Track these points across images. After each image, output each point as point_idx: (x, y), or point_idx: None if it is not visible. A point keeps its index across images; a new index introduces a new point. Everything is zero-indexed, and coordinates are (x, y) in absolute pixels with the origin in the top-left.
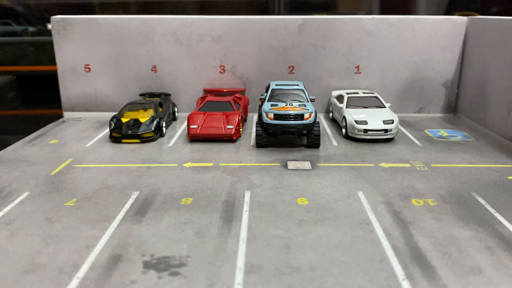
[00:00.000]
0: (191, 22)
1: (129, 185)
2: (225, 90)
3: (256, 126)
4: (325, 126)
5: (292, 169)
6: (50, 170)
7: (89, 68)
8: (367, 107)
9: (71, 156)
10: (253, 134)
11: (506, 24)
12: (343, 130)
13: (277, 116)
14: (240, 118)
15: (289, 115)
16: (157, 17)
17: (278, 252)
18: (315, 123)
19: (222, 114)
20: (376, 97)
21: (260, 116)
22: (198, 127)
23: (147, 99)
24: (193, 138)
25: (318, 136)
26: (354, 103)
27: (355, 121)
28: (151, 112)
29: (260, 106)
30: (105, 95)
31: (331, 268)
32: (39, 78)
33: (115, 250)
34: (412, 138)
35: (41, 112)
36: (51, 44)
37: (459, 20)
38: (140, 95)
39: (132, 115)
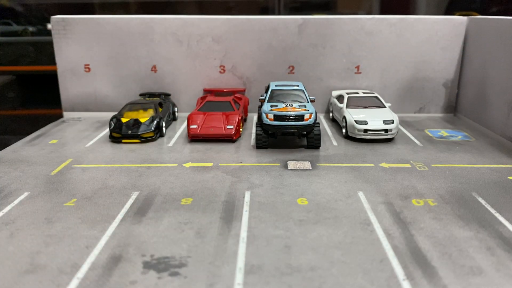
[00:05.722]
0: (191, 22)
1: (129, 185)
2: (225, 90)
3: (256, 127)
4: (325, 126)
5: (292, 169)
6: (50, 170)
7: (89, 68)
8: (367, 107)
9: (71, 156)
10: (253, 134)
11: (506, 24)
12: (343, 130)
13: (277, 117)
14: (240, 118)
15: (289, 116)
16: (157, 17)
17: (278, 252)
18: (316, 124)
19: (222, 114)
20: (376, 97)
21: (259, 117)
22: (198, 127)
23: (147, 99)
24: (193, 138)
25: (318, 137)
26: (354, 103)
27: (355, 121)
28: (151, 112)
29: (260, 107)
30: (105, 95)
31: (331, 269)
32: (39, 78)
33: (115, 251)
34: (412, 138)
35: (41, 112)
36: (51, 44)
37: (459, 20)
38: (140, 95)
39: (132, 115)
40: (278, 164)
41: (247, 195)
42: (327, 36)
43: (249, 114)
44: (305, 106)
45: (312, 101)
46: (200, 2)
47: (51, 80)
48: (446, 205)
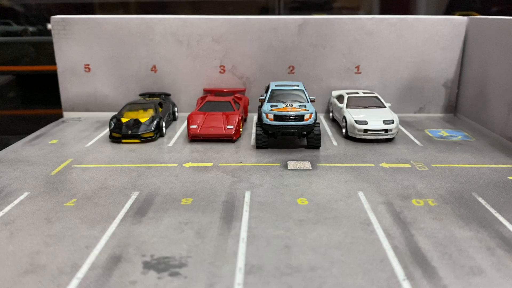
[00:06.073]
0: (191, 22)
1: (129, 185)
2: (225, 90)
3: (256, 127)
4: (325, 126)
5: (292, 169)
6: (50, 170)
7: (89, 68)
8: (367, 107)
9: (71, 156)
10: (253, 134)
11: (506, 24)
12: (343, 130)
13: (277, 117)
14: (240, 118)
15: (289, 116)
16: (157, 17)
17: (278, 253)
18: (316, 124)
19: (222, 114)
20: (376, 97)
21: (259, 117)
22: (198, 127)
23: (147, 99)
24: (193, 138)
25: (318, 137)
26: (354, 103)
27: (355, 121)
28: (151, 112)
29: (260, 107)
30: (105, 95)
31: (331, 269)
32: (39, 78)
33: (115, 251)
34: (412, 138)
35: (41, 112)
36: (51, 44)
37: (459, 20)
38: (140, 95)
39: (132, 115)
40: (278, 164)
41: (247, 195)
42: (327, 36)
43: (249, 114)
44: (305, 106)
45: (312, 101)
46: (200, 2)
47: (51, 80)
48: (446, 205)
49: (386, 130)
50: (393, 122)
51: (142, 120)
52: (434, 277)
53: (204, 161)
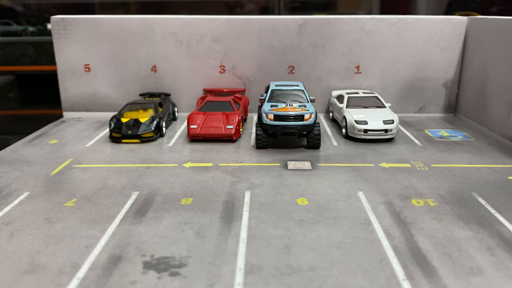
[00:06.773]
0: (191, 22)
1: (129, 185)
2: (225, 90)
3: (256, 127)
4: (325, 126)
5: (292, 169)
6: (50, 170)
7: (89, 68)
8: (367, 107)
9: (71, 156)
10: (253, 134)
11: (506, 24)
12: (343, 130)
13: (277, 117)
14: (240, 118)
15: (289, 116)
16: (157, 17)
17: (278, 253)
18: (316, 124)
19: (222, 114)
20: (376, 97)
21: (259, 117)
22: (198, 127)
23: (147, 99)
24: (193, 138)
25: (318, 137)
26: (354, 103)
27: (355, 121)
28: (151, 112)
29: (260, 107)
30: (105, 95)
31: (331, 269)
32: (39, 78)
33: (115, 251)
34: (412, 138)
35: (41, 112)
36: (51, 44)
37: (459, 20)
38: (140, 95)
39: (132, 115)
40: (278, 164)
41: (247, 195)
42: (327, 36)
43: (249, 114)
44: (305, 106)
45: (312, 101)
46: (200, 2)
47: (51, 80)
48: (446, 205)
49: (386, 130)
50: (393, 122)
51: (142, 120)
52: (434, 277)
53: (204, 161)
